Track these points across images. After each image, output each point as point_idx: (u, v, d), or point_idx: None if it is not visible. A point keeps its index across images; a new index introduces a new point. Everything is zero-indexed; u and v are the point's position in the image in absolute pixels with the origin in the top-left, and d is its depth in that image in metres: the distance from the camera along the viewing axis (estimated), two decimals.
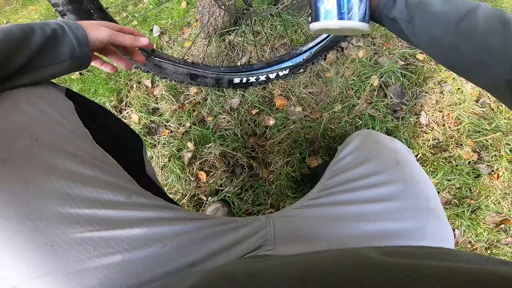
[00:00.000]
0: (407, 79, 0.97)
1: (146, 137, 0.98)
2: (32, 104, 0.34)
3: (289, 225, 0.44)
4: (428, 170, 0.86)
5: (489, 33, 0.32)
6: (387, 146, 0.50)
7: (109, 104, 1.08)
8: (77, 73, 1.26)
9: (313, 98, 0.95)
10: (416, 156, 0.88)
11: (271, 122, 0.91)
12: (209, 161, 0.89)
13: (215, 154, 0.88)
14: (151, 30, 1.19)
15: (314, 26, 0.43)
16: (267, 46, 1.04)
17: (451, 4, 0.36)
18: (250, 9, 0.83)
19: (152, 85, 1.08)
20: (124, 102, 1.08)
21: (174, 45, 1.15)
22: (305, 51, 0.91)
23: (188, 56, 1.11)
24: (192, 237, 0.37)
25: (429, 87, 0.96)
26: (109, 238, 0.31)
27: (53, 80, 0.42)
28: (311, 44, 0.90)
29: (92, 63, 0.46)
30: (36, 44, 0.34)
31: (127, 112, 1.06)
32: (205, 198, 0.87)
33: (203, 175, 0.89)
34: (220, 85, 0.91)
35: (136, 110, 1.04)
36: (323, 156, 0.86)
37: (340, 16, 0.40)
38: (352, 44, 1.01)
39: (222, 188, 0.87)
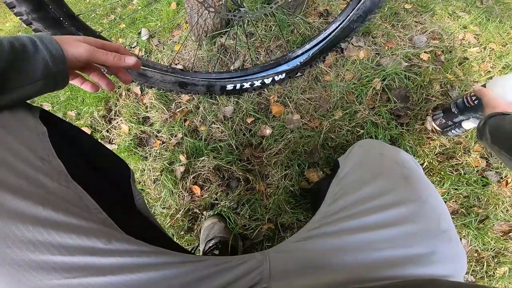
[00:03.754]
0: (411, 82, 0.91)
1: (137, 148, 0.94)
2: None
3: (286, 260, 0.41)
4: (435, 179, 0.81)
5: None
6: (393, 159, 0.46)
7: (97, 114, 1.03)
8: None
9: (311, 105, 0.89)
10: (422, 164, 0.83)
11: (268, 131, 0.86)
12: (203, 175, 0.85)
13: (209, 168, 0.84)
14: (139, 33, 1.13)
15: None
16: (262, 49, 0.98)
17: None
18: (242, 9, 0.77)
19: (141, 93, 1.03)
20: (113, 112, 1.03)
21: (163, 49, 1.09)
22: (302, 54, 0.85)
23: (178, 60, 1.05)
24: (183, 281, 0.35)
25: (435, 90, 0.90)
26: (89, 285, 0.29)
27: None
28: (308, 46, 0.84)
29: (71, 81, 0.41)
30: (4, 61, 0.30)
31: (117, 122, 1.01)
32: (200, 212, 0.83)
33: (197, 189, 0.84)
34: (212, 92, 0.85)
35: (125, 120, 0.99)
36: (323, 168, 0.81)
37: None
38: (352, 44, 0.95)
39: (217, 202, 0.83)
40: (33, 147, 0.33)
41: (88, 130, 1.02)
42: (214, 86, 0.83)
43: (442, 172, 0.81)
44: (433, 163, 0.83)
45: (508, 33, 1.03)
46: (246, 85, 0.85)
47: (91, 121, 1.03)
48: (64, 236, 0.30)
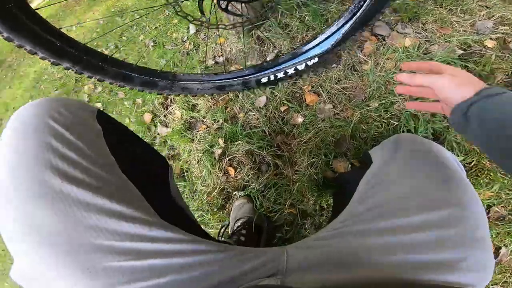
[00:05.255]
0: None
1: (186, 132, 1.08)
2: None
3: (304, 255, 0.42)
4: (483, 181, 0.72)
5: None
6: (434, 158, 0.42)
7: (157, 101, 1.21)
8: None
9: (345, 94, 0.88)
10: (470, 163, 0.75)
11: (300, 120, 0.89)
12: (237, 158, 0.93)
13: (243, 152, 0.92)
14: (188, 28, 1.27)
15: None
16: (297, 39, 1.00)
17: None
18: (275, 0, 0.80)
19: None
20: (169, 99, 1.20)
21: (208, 43, 1.20)
22: (332, 34, 0.81)
23: (221, 52, 1.15)
24: (212, 269, 0.38)
25: (497, 80, 0.79)
26: (135, 267, 0.34)
27: None
28: (335, 27, 0.79)
29: None
30: None
31: (172, 108, 1.17)
32: (231, 192, 0.92)
33: (231, 171, 0.94)
34: (249, 87, 0.92)
35: (179, 107, 1.14)
36: (351, 159, 0.81)
37: None
38: (397, 31, 0.89)
39: (248, 184, 0.91)
40: (92, 144, 0.38)
41: (150, 115, 1.21)
42: (250, 82, 0.90)
43: (491, 173, 0.72)
44: (483, 162, 0.74)
45: None
46: (280, 74, 0.89)
47: (152, 108, 1.22)
48: (119, 224, 0.34)
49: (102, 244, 0.32)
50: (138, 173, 0.43)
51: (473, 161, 0.75)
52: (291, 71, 0.88)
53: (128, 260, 0.33)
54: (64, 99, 0.40)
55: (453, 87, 0.40)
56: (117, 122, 0.48)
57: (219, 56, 1.19)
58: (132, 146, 0.49)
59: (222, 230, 0.83)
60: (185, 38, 1.32)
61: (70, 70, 0.65)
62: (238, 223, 0.81)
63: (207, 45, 1.20)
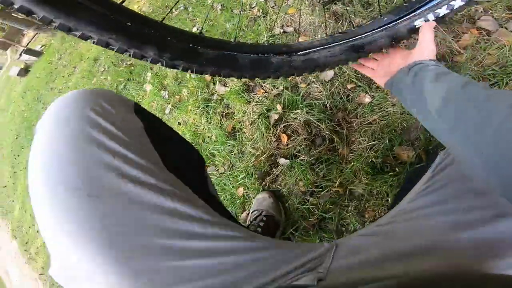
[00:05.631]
0: None
1: (244, 93, 1.09)
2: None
3: (348, 252, 0.41)
4: None
5: None
6: None
7: None
8: (197, 31, 1.46)
9: None
10: None
11: (366, 100, 0.84)
12: (293, 126, 0.92)
13: (300, 121, 0.90)
14: None
15: None
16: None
17: None
18: None
19: None
20: None
21: (278, 11, 1.16)
22: None
23: (290, 23, 1.11)
24: (260, 267, 0.37)
25: None
26: (188, 266, 0.33)
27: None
28: None
29: None
30: None
31: None
32: (279, 160, 0.92)
33: (284, 138, 0.93)
34: (398, 39, 0.60)
35: None
36: (418, 151, 0.75)
37: None
38: (507, 28, 0.77)
39: (298, 154, 0.90)
40: (138, 140, 0.37)
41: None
42: (398, 31, 0.59)
43: None
44: None
45: None
46: (442, 10, 0.54)
47: None
48: (174, 222, 0.33)
49: (159, 243, 0.31)
50: (180, 169, 0.41)
51: None
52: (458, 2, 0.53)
53: (185, 260, 0.32)
54: (103, 92, 0.38)
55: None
56: (152, 115, 0.46)
57: (288, 26, 1.15)
58: (171, 141, 0.48)
59: (250, 218, 0.84)
60: (254, 5, 1.30)
61: (157, 63, 0.44)
62: (255, 214, 0.83)
63: (278, 13, 1.17)
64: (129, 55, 0.40)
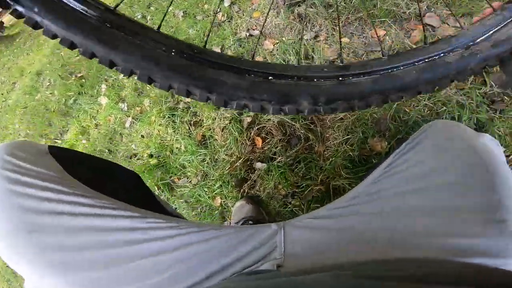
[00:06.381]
0: None
1: None
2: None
3: (302, 235, 0.40)
4: None
5: None
6: (467, 144, 0.39)
7: None
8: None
9: None
10: (507, 156, 0.73)
11: None
12: (267, 128, 0.90)
13: (273, 122, 0.88)
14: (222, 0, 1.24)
15: None
16: (339, 20, 0.97)
17: None
18: None
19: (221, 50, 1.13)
20: None
21: (243, 15, 1.17)
22: None
23: (256, 26, 1.12)
24: (205, 256, 0.39)
25: None
26: (132, 268, 0.36)
27: None
28: None
29: None
30: None
31: None
32: (256, 165, 0.89)
33: (259, 141, 0.90)
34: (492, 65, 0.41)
35: None
36: (389, 140, 0.78)
37: None
38: (448, 24, 0.86)
39: (275, 156, 0.87)
40: (58, 181, 0.39)
41: None
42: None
43: None
44: None
45: None
46: None
47: None
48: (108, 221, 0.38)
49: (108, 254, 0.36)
50: (117, 191, 0.43)
51: (511, 155, 0.72)
52: None
53: (128, 263, 0.36)
54: (14, 144, 0.40)
55: None
56: (73, 151, 0.51)
57: (253, 30, 1.16)
58: (99, 169, 0.50)
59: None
60: (218, 10, 1.29)
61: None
62: (240, 223, 0.79)
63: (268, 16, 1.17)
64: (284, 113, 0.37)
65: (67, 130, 1.60)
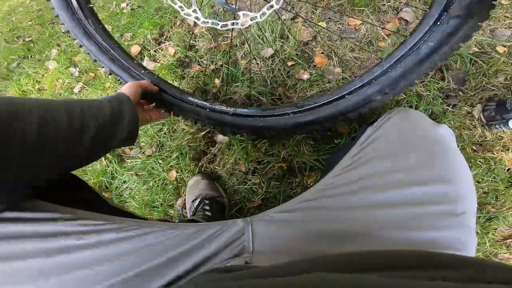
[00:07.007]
0: (475, 67, 0.85)
1: (177, 68, 0.97)
2: None
3: (270, 231, 0.39)
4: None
5: None
6: (427, 133, 0.41)
7: (150, 36, 1.09)
8: (129, 8, 1.29)
9: (357, 63, 0.87)
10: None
11: (305, 76, 0.85)
12: (233, 100, 0.85)
13: (240, 94, 0.84)
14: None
15: None
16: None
17: None
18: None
19: (194, 24, 1.07)
20: (164, 36, 1.09)
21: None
22: None
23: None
24: (162, 262, 0.36)
25: (498, 81, 0.83)
26: (89, 274, 0.33)
27: None
28: None
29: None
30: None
31: (165, 45, 1.06)
32: (217, 138, 0.84)
33: None
34: None
35: (174, 44, 1.04)
36: (353, 124, 0.78)
37: None
38: None
39: None
40: None
41: (138, 48, 1.08)
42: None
43: (472, 160, 0.74)
44: (467, 149, 0.76)
45: None
46: None
47: (143, 41, 1.10)
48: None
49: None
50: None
51: (458, 147, 0.77)
52: None
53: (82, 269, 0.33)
54: None
55: None
56: None
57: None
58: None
59: (192, 208, 0.74)
60: None
61: None
62: (196, 203, 0.74)
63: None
64: None
65: (5, 95, 1.39)
